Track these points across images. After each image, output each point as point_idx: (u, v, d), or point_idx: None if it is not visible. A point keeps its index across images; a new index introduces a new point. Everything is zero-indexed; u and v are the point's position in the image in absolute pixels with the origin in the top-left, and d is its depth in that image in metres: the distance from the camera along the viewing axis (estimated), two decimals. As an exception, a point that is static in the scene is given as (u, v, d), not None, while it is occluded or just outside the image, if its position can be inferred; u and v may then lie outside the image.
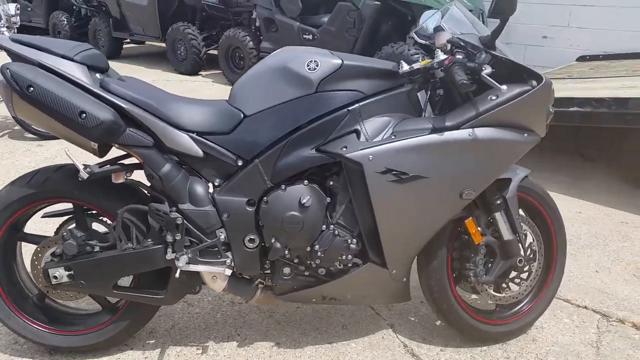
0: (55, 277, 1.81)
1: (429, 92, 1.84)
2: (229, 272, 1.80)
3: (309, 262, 1.82)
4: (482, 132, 1.70)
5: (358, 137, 1.73)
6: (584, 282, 2.51)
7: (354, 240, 1.78)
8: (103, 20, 8.25)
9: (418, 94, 1.86)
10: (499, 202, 1.89)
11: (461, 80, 1.60)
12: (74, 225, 1.87)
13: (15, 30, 4.46)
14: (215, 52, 7.08)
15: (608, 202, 3.43)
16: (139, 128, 1.72)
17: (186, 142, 1.76)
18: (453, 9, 1.88)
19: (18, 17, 4.44)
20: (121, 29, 8.11)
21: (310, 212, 1.75)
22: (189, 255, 1.78)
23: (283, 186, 1.76)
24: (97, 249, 1.84)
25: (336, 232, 1.77)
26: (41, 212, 1.95)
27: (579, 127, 4.06)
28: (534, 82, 1.72)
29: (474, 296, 2.17)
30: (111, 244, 1.84)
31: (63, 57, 1.70)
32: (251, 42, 6.31)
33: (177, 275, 1.76)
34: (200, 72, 7.39)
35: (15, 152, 4.09)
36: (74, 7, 8.99)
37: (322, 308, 2.24)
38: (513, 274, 2.02)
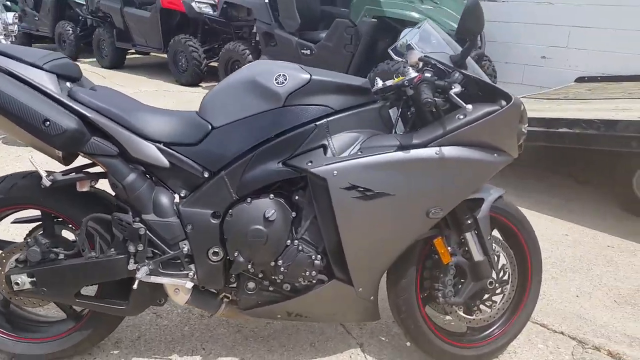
0: (17, 284, 1.80)
1: (399, 110, 1.82)
2: (190, 284, 1.78)
3: (273, 277, 1.79)
4: (449, 151, 1.68)
5: (325, 152, 1.71)
6: (563, 306, 2.46)
7: (319, 256, 1.76)
8: (107, 30, 8.34)
9: (390, 110, 1.85)
10: (469, 222, 1.86)
11: (425, 98, 1.58)
12: (41, 232, 1.86)
13: (14, 39, 4.52)
14: (216, 64, 7.13)
15: (596, 225, 3.38)
16: (104, 137, 1.71)
17: (152, 152, 1.75)
18: (425, 27, 1.87)
19: (16, 26, 4.50)
20: (124, 40, 8.19)
21: (274, 226, 1.73)
22: (150, 267, 1.76)
23: (249, 199, 1.75)
24: (61, 256, 1.82)
25: (300, 247, 1.74)
26: (11, 218, 1.94)
27: (574, 149, 4.04)
28: (503, 102, 1.71)
29: (448, 317, 2.13)
30: (76, 253, 1.83)
31: (32, 65, 1.70)
32: (250, 56, 6.35)
33: (135, 286, 1.74)
34: (200, 84, 7.42)
35: (7, 158, 4.11)
36: (80, 17, 9.12)
37: (292, 325, 2.21)
38: (485, 296, 1.98)
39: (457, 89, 1.68)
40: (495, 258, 1.95)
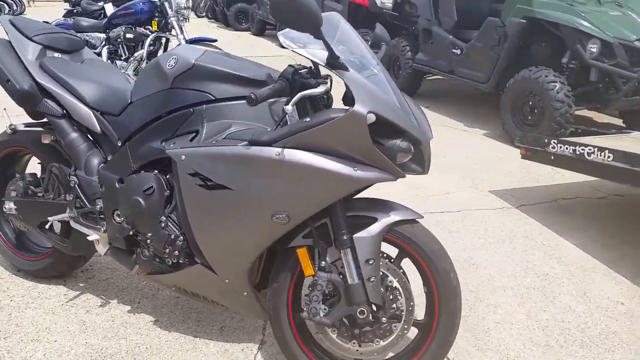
0: (6, 208, 2.30)
1: (293, 106, 1.73)
2: (96, 237, 2.02)
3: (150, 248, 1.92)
4: (291, 154, 1.55)
5: (194, 138, 1.75)
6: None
7: (181, 237, 1.81)
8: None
9: (286, 107, 1.76)
10: (344, 238, 1.68)
11: (250, 94, 1.49)
12: (31, 172, 2.33)
13: (187, 21, 5.33)
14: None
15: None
16: (54, 100, 2.05)
17: (88, 118, 2.03)
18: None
19: (189, 11, 5.30)
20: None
21: (151, 200, 1.85)
22: (72, 215, 2.06)
23: (142, 171, 1.90)
24: (37, 193, 2.25)
25: (165, 224, 1.82)
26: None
27: None
28: (347, 110, 1.50)
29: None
30: (44, 193, 2.24)
31: (25, 36, 2.13)
32: (409, 53, 6.24)
33: (54, 227, 2.06)
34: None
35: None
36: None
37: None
38: (368, 327, 1.76)
39: (315, 90, 1.54)
40: (388, 289, 1.73)
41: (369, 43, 1.92)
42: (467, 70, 5.37)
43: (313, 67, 1.66)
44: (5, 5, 13.85)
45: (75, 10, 6.63)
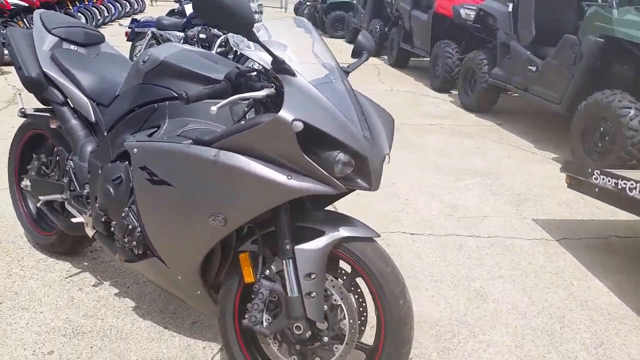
0: (24, 185, 2.49)
1: (251, 107, 1.70)
2: (80, 219, 2.13)
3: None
4: (227, 157, 1.51)
5: (154, 132, 1.78)
6: None
7: (139, 228, 1.83)
8: (398, 31, 8.94)
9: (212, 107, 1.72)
10: (286, 248, 1.61)
11: (182, 92, 1.48)
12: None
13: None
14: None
15: None
16: (57, 88, 2.19)
17: (86, 107, 2.15)
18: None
19: (260, 15, 5.45)
20: (407, 41, 8.64)
21: (118, 189, 1.89)
22: (65, 197, 2.18)
23: (117, 161, 1.96)
24: (48, 173, 2.42)
25: (125, 214, 1.85)
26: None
27: None
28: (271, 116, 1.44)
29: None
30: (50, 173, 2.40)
31: (46, 29, 2.30)
32: (486, 67, 5.92)
33: (43, 206, 2.21)
34: (451, 91, 7.31)
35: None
36: (390, 17, 9.95)
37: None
38: (311, 344, 1.68)
39: (260, 93, 1.50)
40: (332, 308, 1.64)
41: (354, 50, 1.86)
42: (541, 89, 5.00)
43: (263, 70, 1.62)
44: (127, 3, 15.11)
45: (176, 10, 7.04)
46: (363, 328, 1.76)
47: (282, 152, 1.46)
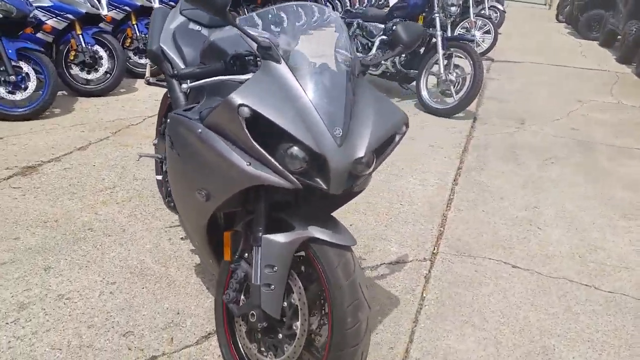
0: (154, 143, 2.95)
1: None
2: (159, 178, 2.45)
3: None
4: (207, 134, 1.57)
5: (193, 107, 1.92)
6: None
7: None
8: None
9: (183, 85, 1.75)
10: (257, 235, 1.62)
11: (174, 71, 1.57)
12: None
13: (451, 18, 5.28)
14: None
15: None
16: (169, 62, 2.51)
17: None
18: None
19: (457, 8, 5.22)
20: None
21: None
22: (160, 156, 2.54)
23: None
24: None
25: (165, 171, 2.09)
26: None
27: None
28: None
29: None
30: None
31: (180, 9, 2.66)
32: None
33: None
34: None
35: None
36: None
37: (185, 277, 2.43)
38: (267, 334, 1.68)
39: (243, 76, 1.54)
40: (290, 306, 1.61)
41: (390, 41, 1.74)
42: None
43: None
44: (338, 2, 15.69)
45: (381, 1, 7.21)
46: (319, 336, 1.66)
47: (236, 136, 1.49)
